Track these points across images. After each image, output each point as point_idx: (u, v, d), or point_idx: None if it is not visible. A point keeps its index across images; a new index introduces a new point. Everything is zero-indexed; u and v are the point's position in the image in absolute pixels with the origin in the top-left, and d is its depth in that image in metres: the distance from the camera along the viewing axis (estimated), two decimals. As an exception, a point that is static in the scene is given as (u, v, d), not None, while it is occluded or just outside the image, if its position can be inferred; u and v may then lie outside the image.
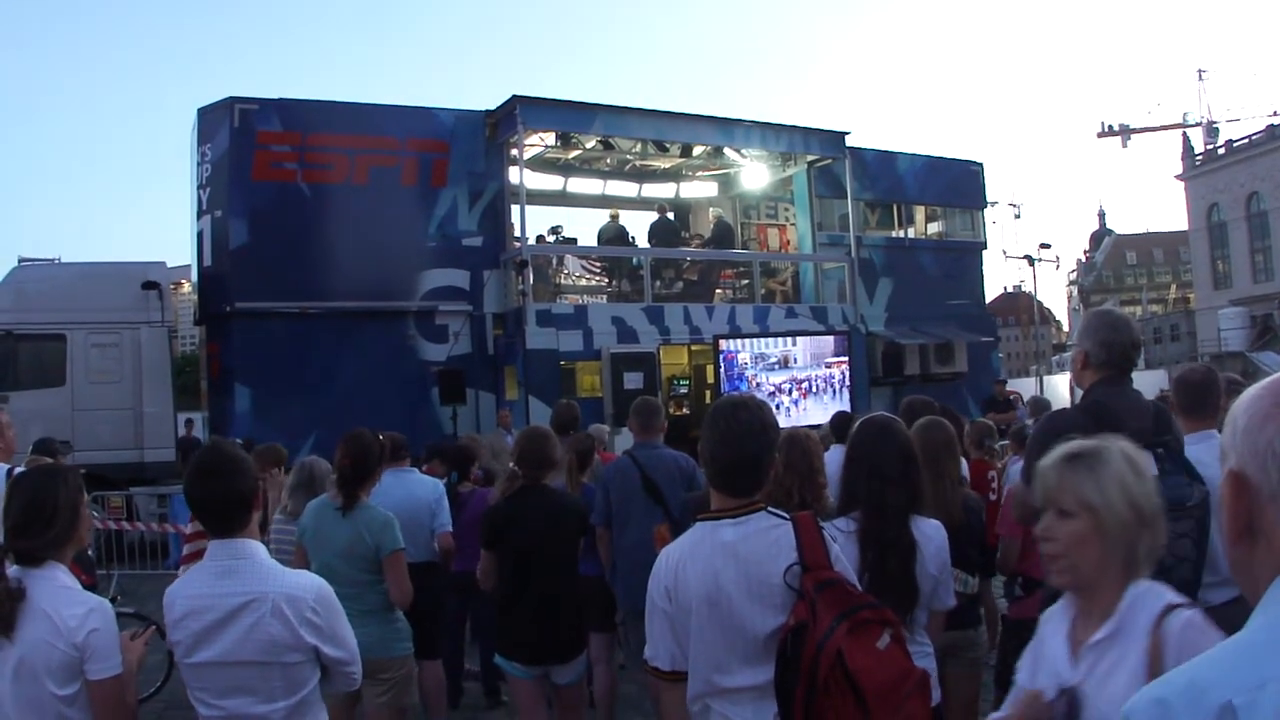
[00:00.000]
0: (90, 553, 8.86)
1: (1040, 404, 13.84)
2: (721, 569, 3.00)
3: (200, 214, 17.77)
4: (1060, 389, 41.97)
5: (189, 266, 19.69)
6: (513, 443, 11.23)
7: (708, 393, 18.14)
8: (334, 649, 3.30)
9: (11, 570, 3.12)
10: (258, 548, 3.32)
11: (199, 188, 17.80)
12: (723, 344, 17.58)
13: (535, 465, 5.65)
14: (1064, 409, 5.28)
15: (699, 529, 3.14)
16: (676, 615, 3.06)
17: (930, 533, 3.92)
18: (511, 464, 5.95)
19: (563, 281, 20.70)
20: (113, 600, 3.77)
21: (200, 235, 17.79)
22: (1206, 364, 6.31)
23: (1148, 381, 28.71)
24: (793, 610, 2.92)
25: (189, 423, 19.54)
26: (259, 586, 3.19)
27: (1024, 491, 4.57)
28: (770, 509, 3.12)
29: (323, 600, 3.28)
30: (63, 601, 3.11)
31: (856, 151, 22.53)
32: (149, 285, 16.65)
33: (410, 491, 6.78)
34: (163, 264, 17.74)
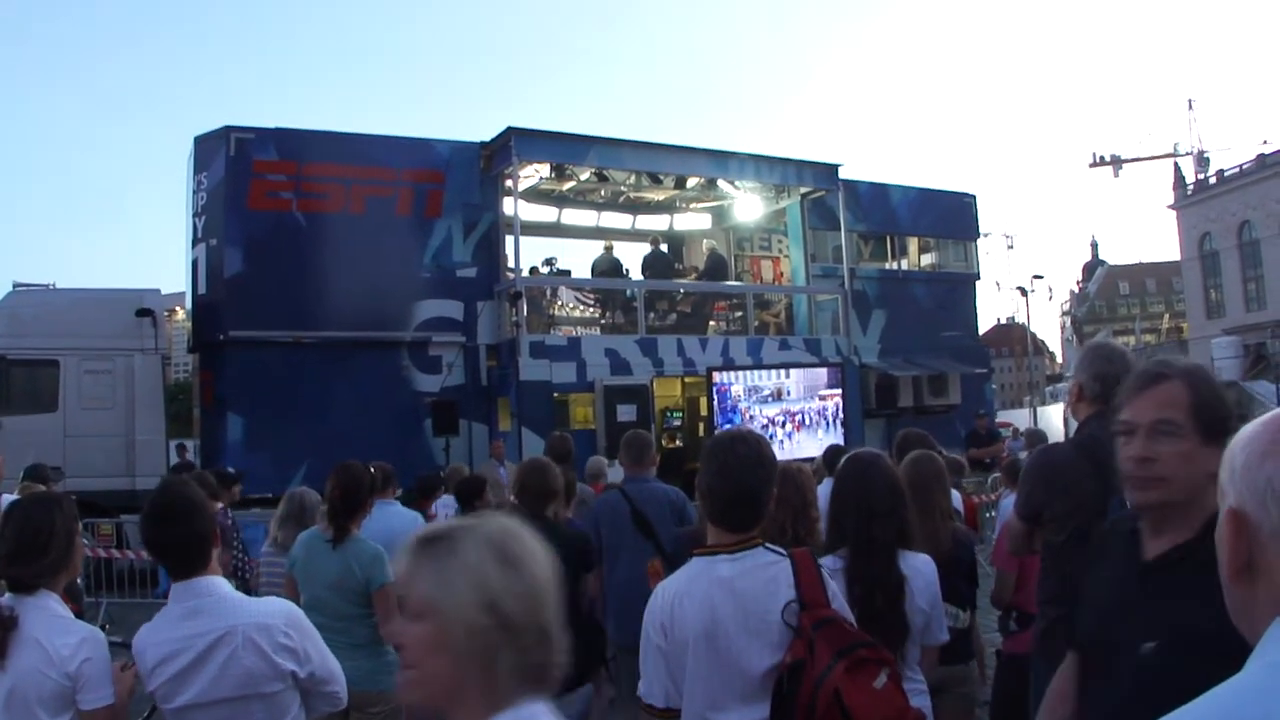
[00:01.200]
0: (80, 581, 8.83)
1: (1035, 436, 13.83)
2: (719, 605, 2.99)
3: (195, 242, 17.75)
4: (1054, 420, 41.96)
5: (183, 294, 19.69)
6: (507, 475, 11.23)
7: (701, 425, 18.14)
8: (311, 669, 3.29)
9: (4, 598, 3.12)
10: (221, 583, 3.31)
11: (194, 215, 17.79)
12: (716, 376, 17.58)
13: (536, 496, 5.65)
14: (1057, 443, 5.28)
15: (695, 564, 3.13)
16: (672, 651, 3.04)
17: (920, 567, 3.90)
18: (511, 496, 5.94)
19: (556, 313, 20.68)
20: (102, 628, 3.76)
21: (195, 263, 17.76)
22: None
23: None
24: (790, 648, 2.92)
25: (181, 447, 19.46)
26: (228, 621, 3.18)
27: (1018, 524, 4.57)
28: (767, 545, 3.12)
29: (294, 623, 3.28)
30: (56, 630, 3.11)
31: (850, 184, 22.60)
32: (143, 312, 16.63)
33: (388, 524, 6.78)
34: (157, 291, 17.73)
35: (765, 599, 2.96)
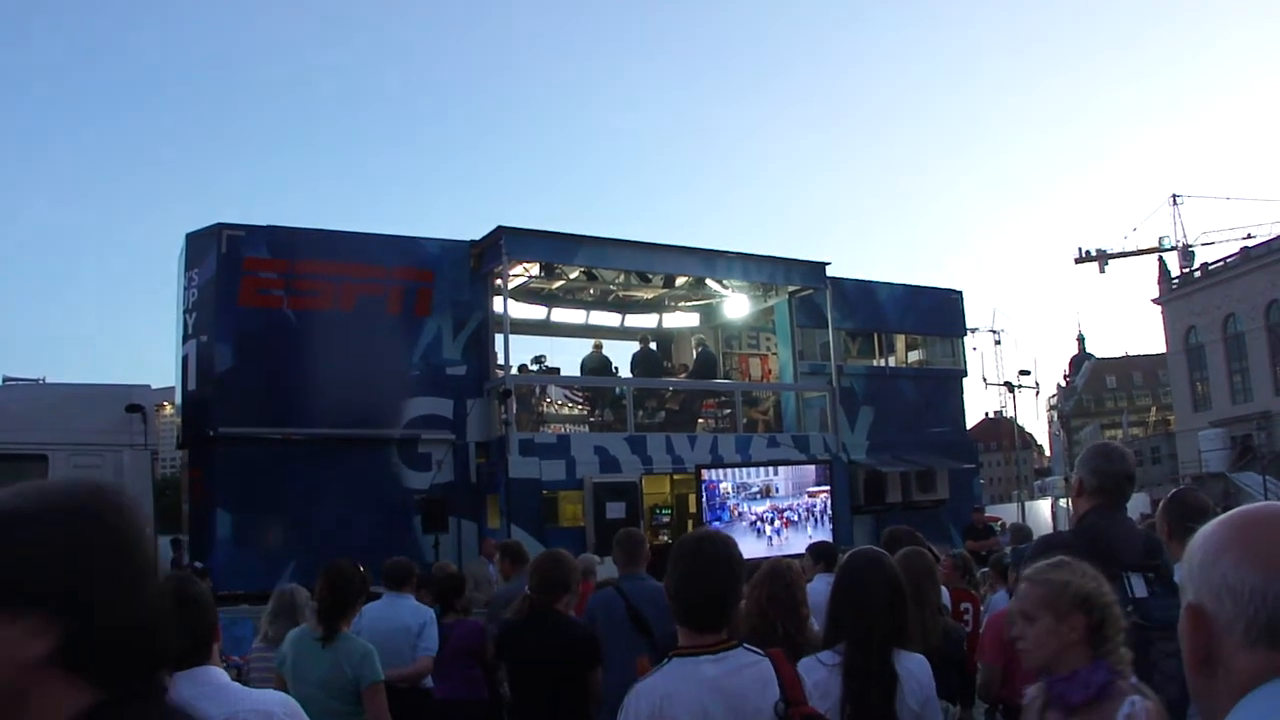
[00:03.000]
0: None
1: (1021, 531, 13.86)
2: (709, 705, 3.00)
3: (186, 338, 17.81)
4: (1043, 513, 41.94)
5: (173, 389, 19.68)
6: (496, 572, 11.19)
7: (690, 522, 18.09)
8: None
9: None
10: (218, 673, 3.40)
11: (185, 312, 17.87)
12: (705, 473, 17.57)
13: (551, 589, 5.70)
14: (1059, 532, 5.42)
15: (676, 665, 3.14)
16: None
17: (913, 668, 3.93)
18: (527, 589, 5.97)
19: (545, 411, 20.76)
20: None
21: (185, 359, 17.79)
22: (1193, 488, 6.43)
23: (1130, 504, 28.76)
24: None
25: (177, 543, 19.29)
26: (229, 708, 3.22)
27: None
28: (746, 645, 3.16)
29: (292, 713, 3.32)
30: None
31: (837, 281, 22.81)
32: (133, 408, 16.62)
33: (397, 616, 6.90)
34: (147, 387, 17.72)
35: (754, 697, 2.99)
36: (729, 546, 3.29)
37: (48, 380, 19.60)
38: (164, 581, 1.39)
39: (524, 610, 5.78)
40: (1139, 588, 4.13)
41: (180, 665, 3.36)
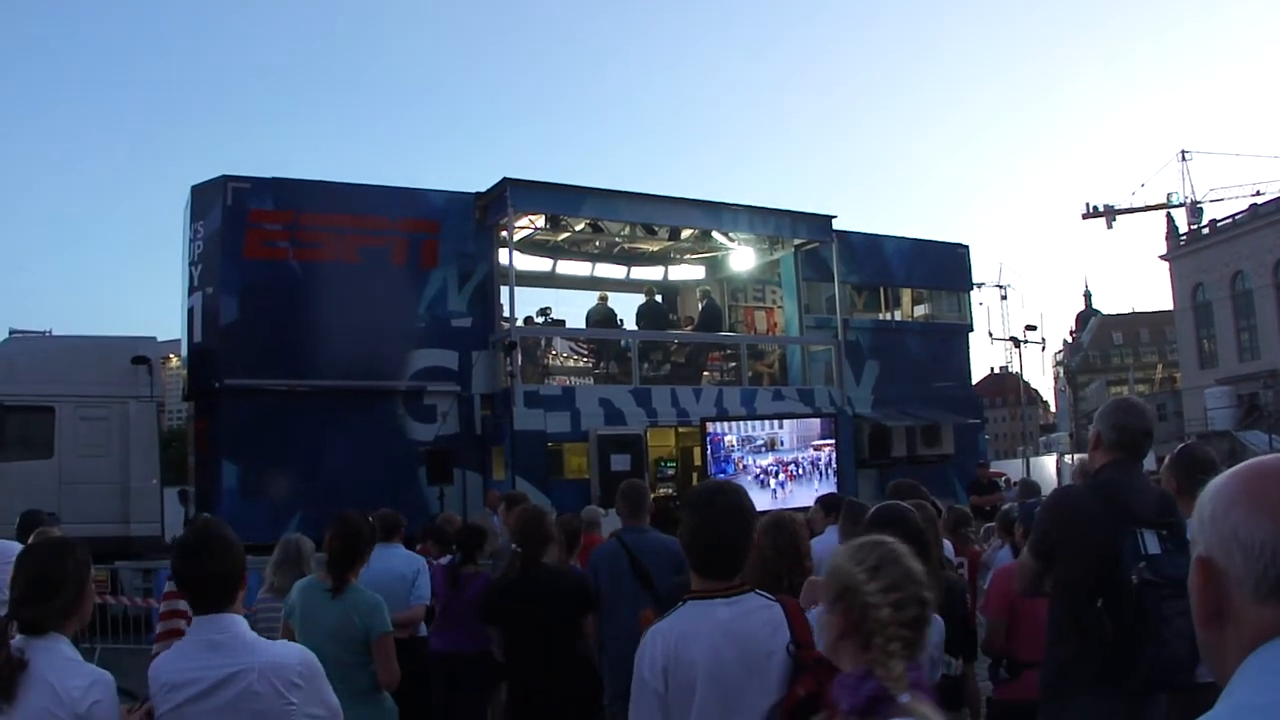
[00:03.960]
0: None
1: (1029, 486, 13.81)
2: (722, 646, 3.05)
3: (191, 290, 17.81)
4: (1048, 469, 41.99)
5: (178, 341, 19.71)
6: (500, 524, 11.25)
7: (695, 475, 18.13)
8: (318, 709, 3.34)
9: (14, 640, 3.15)
10: (240, 622, 3.37)
11: (191, 264, 17.86)
12: (710, 426, 17.62)
13: (536, 542, 5.82)
14: (1073, 485, 5.41)
15: (691, 608, 3.18)
16: (673, 695, 3.07)
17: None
18: (514, 545, 6.04)
19: (551, 363, 20.77)
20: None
21: (191, 311, 17.80)
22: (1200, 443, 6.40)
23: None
24: (799, 682, 2.99)
25: (184, 494, 19.32)
26: (244, 659, 3.22)
27: (1031, 562, 4.63)
28: (758, 590, 3.19)
29: (308, 666, 3.34)
30: (66, 672, 3.14)
31: (843, 235, 22.70)
32: (139, 360, 16.68)
33: (390, 566, 6.95)
34: (153, 339, 17.78)
35: (765, 640, 3.03)
36: (741, 496, 3.33)
37: (54, 333, 19.64)
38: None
39: (515, 568, 5.84)
40: (1152, 544, 4.12)
41: (199, 609, 3.37)
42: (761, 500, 15.38)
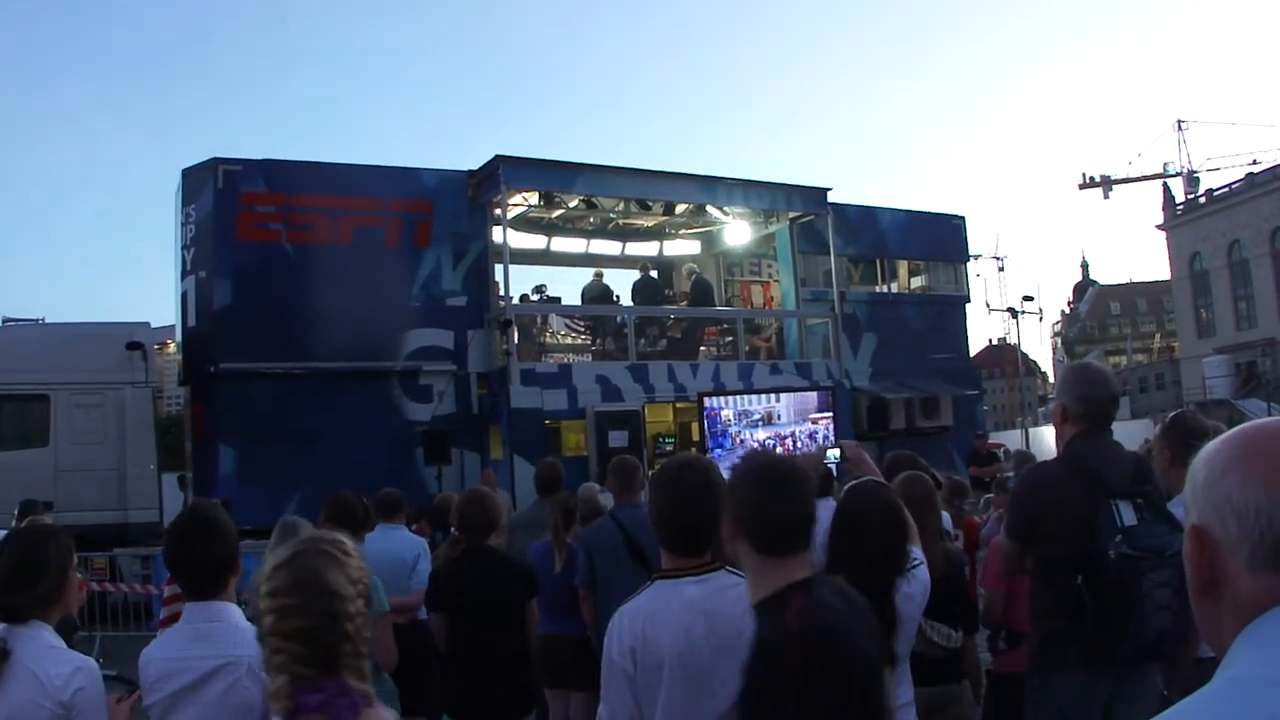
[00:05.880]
0: (72, 614, 8.80)
1: (1024, 457, 13.81)
2: (692, 626, 3.02)
3: (184, 274, 17.76)
4: (1047, 440, 41.96)
5: (173, 327, 19.68)
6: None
7: (693, 450, 18.11)
8: None
9: None
10: (233, 610, 3.34)
11: (183, 248, 17.80)
12: (707, 401, 17.59)
13: (474, 530, 5.84)
14: (1045, 461, 5.34)
15: (659, 587, 3.17)
16: (642, 675, 3.05)
17: (911, 589, 3.89)
18: (453, 528, 6.05)
19: (547, 341, 20.74)
20: (96, 661, 3.75)
21: (184, 296, 17.76)
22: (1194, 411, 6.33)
23: (1133, 431, 28.78)
24: None
25: (183, 480, 19.34)
26: (234, 650, 3.18)
27: (1009, 544, 4.60)
28: (728, 568, 3.14)
29: None
30: (49, 660, 3.11)
31: (839, 208, 22.62)
32: (133, 346, 16.65)
33: (390, 547, 6.94)
34: (147, 325, 17.75)
35: (735, 619, 2.97)
36: (710, 470, 3.28)
37: (48, 320, 19.61)
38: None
39: (455, 551, 5.83)
40: (1128, 515, 4.06)
41: (192, 595, 3.34)
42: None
